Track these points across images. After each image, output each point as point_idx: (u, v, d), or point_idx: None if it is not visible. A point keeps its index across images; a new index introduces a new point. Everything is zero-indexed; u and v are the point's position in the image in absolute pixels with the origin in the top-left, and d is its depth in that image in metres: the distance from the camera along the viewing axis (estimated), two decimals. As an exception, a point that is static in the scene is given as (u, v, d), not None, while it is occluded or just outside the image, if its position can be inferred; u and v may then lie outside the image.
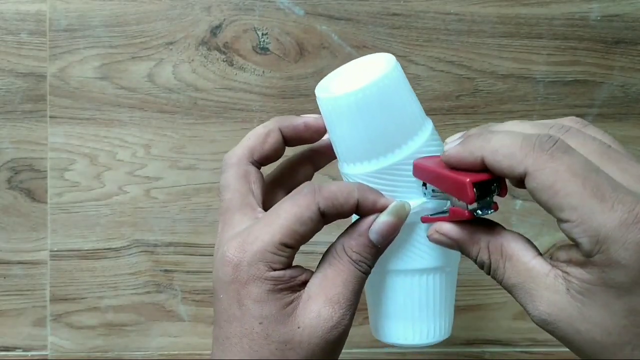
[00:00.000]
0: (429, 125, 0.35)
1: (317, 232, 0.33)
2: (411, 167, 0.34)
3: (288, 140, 0.37)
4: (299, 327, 0.32)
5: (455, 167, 0.31)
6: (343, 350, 0.34)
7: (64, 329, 0.54)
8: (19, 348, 0.55)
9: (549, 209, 0.28)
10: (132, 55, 0.53)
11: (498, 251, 0.31)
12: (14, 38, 0.53)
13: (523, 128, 0.30)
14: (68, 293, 0.54)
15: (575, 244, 0.27)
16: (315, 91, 0.35)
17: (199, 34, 0.54)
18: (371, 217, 0.33)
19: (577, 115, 0.37)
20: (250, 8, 0.54)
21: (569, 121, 0.31)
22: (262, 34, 0.54)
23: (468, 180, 0.29)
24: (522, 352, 0.56)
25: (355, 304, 0.33)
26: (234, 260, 0.32)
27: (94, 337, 0.55)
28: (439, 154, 0.33)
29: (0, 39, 0.53)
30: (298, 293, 0.32)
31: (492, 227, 0.32)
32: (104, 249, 0.54)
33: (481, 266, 0.32)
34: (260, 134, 0.36)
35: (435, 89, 0.55)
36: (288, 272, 0.32)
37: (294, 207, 0.32)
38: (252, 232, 0.32)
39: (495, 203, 0.31)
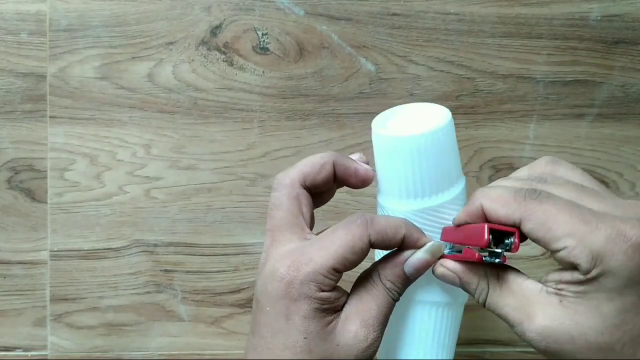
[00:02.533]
0: (464, 179, 0.38)
1: (363, 260, 0.35)
2: (446, 211, 0.37)
3: (336, 176, 0.39)
4: (337, 345, 0.34)
5: (465, 221, 0.35)
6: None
7: (64, 329, 0.55)
8: (19, 348, 0.55)
9: (546, 244, 0.31)
10: (132, 55, 0.53)
11: (495, 277, 0.34)
12: (14, 38, 0.53)
13: (509, 183, 0.35)
14: (68, 293, 0.54)
15: (572, 267, 0.31)
16: (372, 125, 0.38)
17: (199, 34, 0.54)
18: (408, 252, 0.36)
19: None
20: (250, 8, 0.54)
21: (543, 166, 0.35)
22: (262, 34, 0.54)
23: (486, 224, 0.33)
24: (522, 352, 0.56)
25: (385, 327, 0.36)
26: (286, 277, 0.34)
27: (94, 337, 0.55)
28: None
29: (0, 39, 0.53)
30: (337, 313, 0.35)
31: (489, 263, 0.35)
32: (104, 249, 0.54)
33: (479, 294, 0.35)
34: (316, 163, 0.38)
35: (435, 89, 0.55)
36: (333, 294, 0.35)
37: (348, 236, 0.34)
38: (305, 253, 0.35)
39: (505, 256, 0.33)
